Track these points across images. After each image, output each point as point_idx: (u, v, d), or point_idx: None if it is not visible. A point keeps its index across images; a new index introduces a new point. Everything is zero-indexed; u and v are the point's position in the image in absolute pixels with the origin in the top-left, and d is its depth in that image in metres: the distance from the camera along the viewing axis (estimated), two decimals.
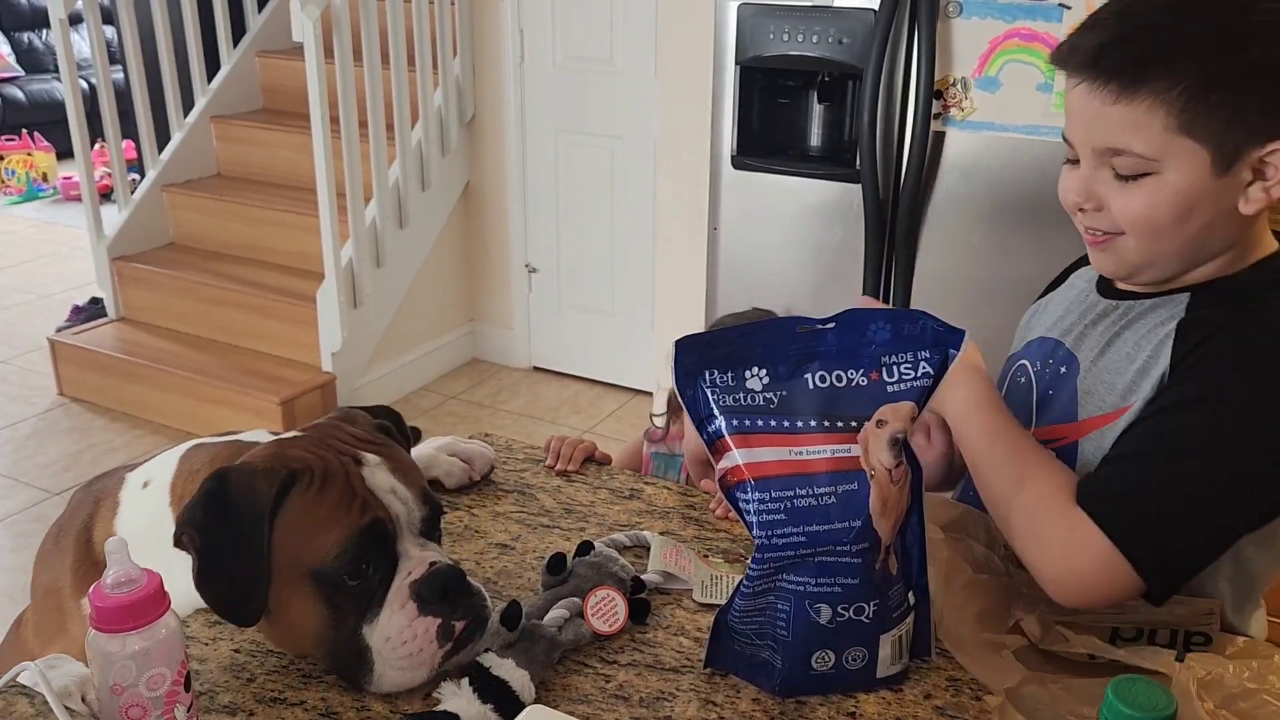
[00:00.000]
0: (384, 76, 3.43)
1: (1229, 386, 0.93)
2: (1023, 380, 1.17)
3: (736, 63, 2.32)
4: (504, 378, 3.99)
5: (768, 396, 0.92)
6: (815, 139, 2.44)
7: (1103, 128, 0.95)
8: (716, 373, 0.93)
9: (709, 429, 0.93)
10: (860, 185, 2.24)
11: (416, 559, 0.96)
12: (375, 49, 3.36)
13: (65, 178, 6.21)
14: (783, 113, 2.42)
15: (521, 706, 0.90)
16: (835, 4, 2.18)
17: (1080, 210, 1.01)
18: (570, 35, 3.59)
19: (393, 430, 1.10)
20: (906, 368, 0.91)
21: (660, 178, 3.51)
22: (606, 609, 1.03)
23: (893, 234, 2.26)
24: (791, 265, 2.42)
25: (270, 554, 0.93)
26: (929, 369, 0.92)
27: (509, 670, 0.92)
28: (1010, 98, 2.08)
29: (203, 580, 0.94)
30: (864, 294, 2.28)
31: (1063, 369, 1.12)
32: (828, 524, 0.90)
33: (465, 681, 0.91)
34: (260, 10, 4.23)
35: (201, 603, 0.96)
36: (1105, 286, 1.12)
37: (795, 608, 0.92)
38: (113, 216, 3.89)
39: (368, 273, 3.52)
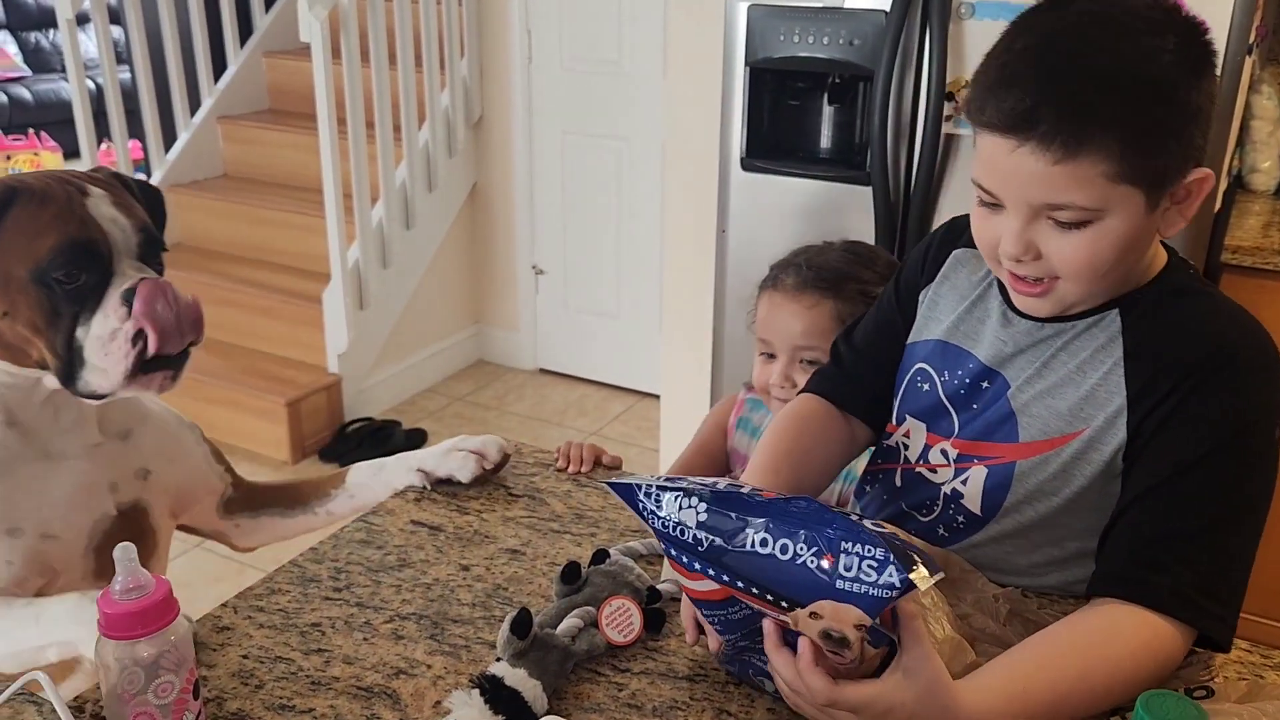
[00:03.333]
0: (391, 77, 3.43)
1: (1229, 448, 0.96)
2: (925, 387, 1.14)
3: (746, 64, 2.31)
4: (510, 380, 3.98)
5: (699, 536, 0.83)
6: (825, 141, 2.43)
7: (1043, 186, 0.94)
8: (654, 487, 0.86)
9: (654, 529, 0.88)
10: (870, 188, 2.22)
11: (130, 276, 1.12)
12: (382, 50, 3.35)
13: None
14: (792, 114, 2.40)
15: (534, 717, 0.89)
16: (846, 5, 2.17)
17: (1018, 261, 0.99)
18: (578, 36, 3.58)
19: (132, 185, 1.24)
20: (869, 567, 0.74)
21: (668, 179, 3.49)
22: (622, 619, 1.01)
23: (903, 237, 2.24)
24: None
25: None
26: (895, 579, 0.74)
27: (521, 680, 0.91)
28: None
29: None
30: None
31: (985, 384, 1.09)
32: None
33: (476, 692, 0.90)
34: (267, 10, 4.22)
35: None
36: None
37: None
38: None
39: (374, 274, 3.51)
